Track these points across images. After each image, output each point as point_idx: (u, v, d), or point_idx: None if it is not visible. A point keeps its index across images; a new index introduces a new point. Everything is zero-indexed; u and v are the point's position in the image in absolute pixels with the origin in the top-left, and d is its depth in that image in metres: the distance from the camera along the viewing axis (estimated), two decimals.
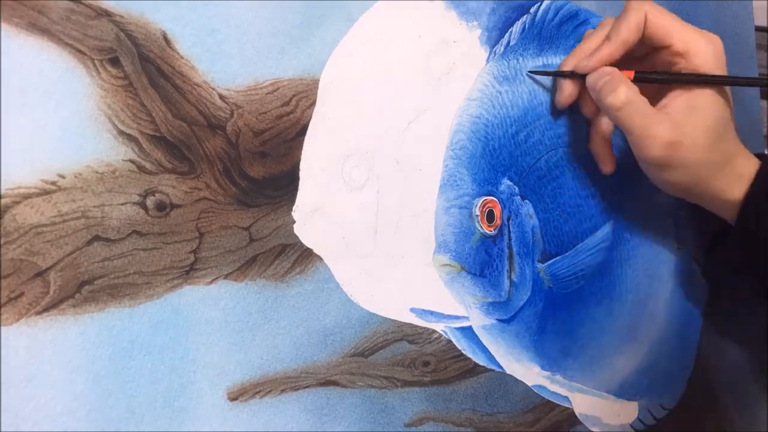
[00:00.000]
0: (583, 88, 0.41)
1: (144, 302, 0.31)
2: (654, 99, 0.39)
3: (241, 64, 0.33)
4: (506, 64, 0.41)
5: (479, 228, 0.40)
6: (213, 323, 0.32)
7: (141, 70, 0.30)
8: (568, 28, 0.45)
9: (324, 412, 0.36)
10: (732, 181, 0.38)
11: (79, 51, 0.29)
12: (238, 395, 0.33)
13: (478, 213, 0.40)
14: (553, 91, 0.43)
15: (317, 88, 0.35)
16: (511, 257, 0.41)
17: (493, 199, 0.40)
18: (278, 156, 0.34)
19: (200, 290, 0.32)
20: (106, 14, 0.30)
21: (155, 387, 0.31)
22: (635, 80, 0.38)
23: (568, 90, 0.41)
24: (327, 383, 0.36)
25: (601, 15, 0.46)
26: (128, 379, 0.30)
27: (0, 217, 0.27)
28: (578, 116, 0.44)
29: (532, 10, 0.42)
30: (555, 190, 0.44)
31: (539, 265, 0.43)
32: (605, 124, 0.41)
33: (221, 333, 0.33)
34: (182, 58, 0.31)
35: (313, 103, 0.35)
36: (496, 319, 0.41)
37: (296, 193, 0.35)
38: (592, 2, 0.46)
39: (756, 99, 0.57)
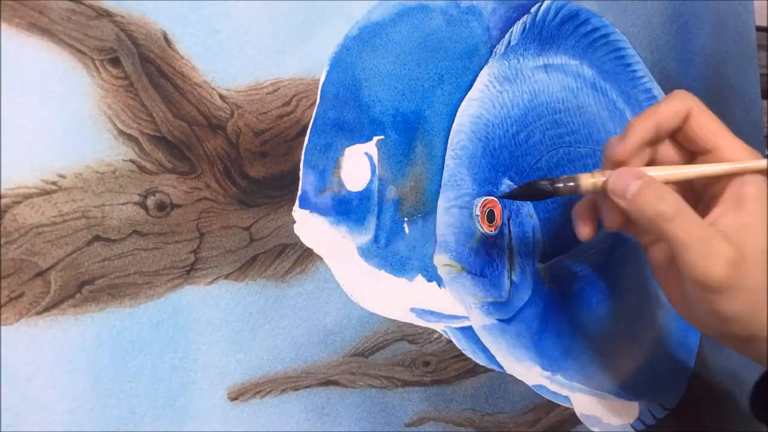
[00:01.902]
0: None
1: (144, 302, 0.31)
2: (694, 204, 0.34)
3: (241, 64, 0.33)
4: (507, 64, 0.41)
5: (480, 228, 0.40)
6: (213, 323, 0.32)
7: (141, 70, 0.30)
8: (569, 28, 0.45)
9: (324, 412, 0.36)
10: None
11: (80, 51, 0.29)
12: (238, 395, 0.33)
13: (478, 213, 0.40)
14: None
15: (317, 88, 0.35)
16: (511, 257, 0.41)
17: (493, 199, 0.40)
18: (278, 156, 0.34)
19: (201, 290, 0.32)
20: (106, 14, 0.30)
21: (155, 387, 0.31)
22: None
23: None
24: (327, 383, 0.36)
25: (602, 15, 0.46)
26: (128, 379, 0.30)
27: (0, 217, 0.27)
28: (578, 116, 0.44)
29: (533, 9, 0.42)
30: None
31: (540, 265, 0.43)
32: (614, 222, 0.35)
33: (222, 333, 0.33)
34: (183, 58, 0.31)
35: (314, 103, 0.35)
36: (497, 319, 0.41)
37: (296, 193, 0.35)
38: (592, 2, 0.46)
39: (756, 99, 0.57)
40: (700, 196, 0.35)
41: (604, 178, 0.33)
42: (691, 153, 0.35)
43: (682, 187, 0.35)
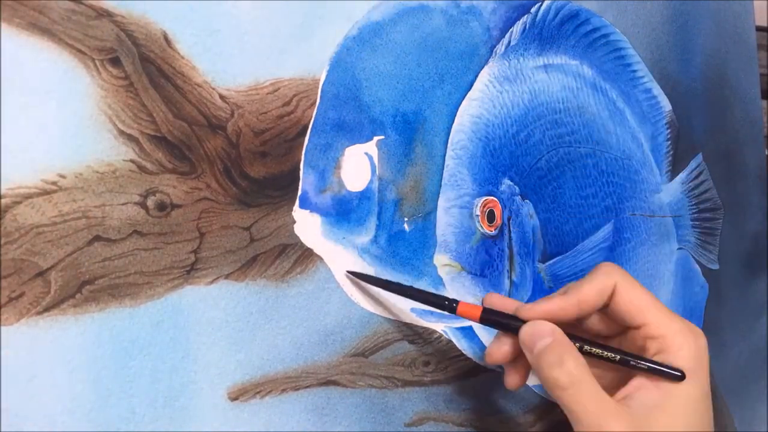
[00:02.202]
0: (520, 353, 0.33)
1: (145, 302, 0.31)
2: (610, 383, 0.32)
3: (241, 64, 0.33)
4: (507, 64, 0.41)
5: (480, 228, 0.40)
6: (213, 323, 0.32)
7: (141, 70, 0.30)
8: (569, 28, 0.45)
9: (324, 412, 0.36)
10: None
11: (80, 51, 0.29)
12: (238, 395, 0.33)
13: (478, 213, 0.40)
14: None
15: (318, 88, 0.35)
16: (511, 257, 0.41)
17: (493, 199, 0.40)
18: (279, 156, 0.34)
19: (201, 290, 0.32)
20: (107, 14, 0.30)
21: (155, 387, 0.31)
22: (581, 351, 0.31)
23: (506, 346, 0.33)
24: (327, 383, 0.36)
25: (602, 15, 0.46)
26: (128, 379, 0.30)
27: (0, 217, 0.27)
28: (578, 116, 0.44)
29: (533, 9, 0.42)
30: (556, 189, 0.44)
31: (540, 265, 0.43)
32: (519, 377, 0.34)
33: (222, 333, 0.33)
34: (183, 58, 0.31)
35: (314, 103, 0.35)
36: None
37: (297, 193, 0.35)
38: (592, 2, 0.46)
39: (756, 99, 0.57)
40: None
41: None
42: (619, 325, 0.33)
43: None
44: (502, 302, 0.34)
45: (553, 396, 0.30)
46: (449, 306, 0.34)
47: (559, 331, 0.31)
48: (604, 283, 0.32)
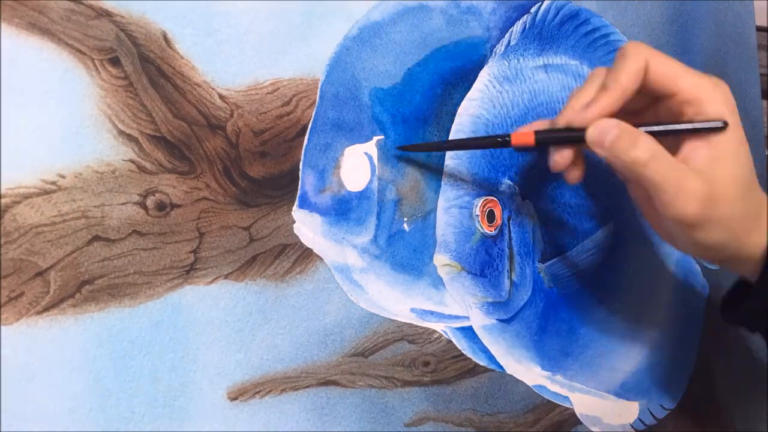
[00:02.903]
0: (577, 150, 0.36)
1: (144, 302, 0.31)
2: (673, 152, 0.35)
3: (241, 64, 0.33)
4: (507, 64, 0.41)
5: (480, 228, 0.40)
6: (213, 323, 0.32)
7: (141, 70, 0.30)
8: (569, 27, 0.45)
9: (324, 412, 0.36)
10: (762, 228, 0.35)
11: (80, 51, 0.29)
12: (238, 395, 0.33)
13: (478, 213, 0.40)
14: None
15: (317, 88, 0.35)
16: (511, 257, 0.41)
17: (493, 199, 0.40)
18: (278, 156, 0.34)
19: (200, 290, 0.32)
20: (106, 14, 0.30)
21: (155, 387, 0.31)
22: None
23: (566, 151, 0.35)
24: (327, 383, 0.36)
25: (602, 15, 0.46)
26: (128, 379, 0.30)
27: (0, 217, 0.27)
28: None
29: (533, 9, 0.42)
30: (556, 190, 0.44)
31: (540, 265, 0.43)
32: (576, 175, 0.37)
33: (221, 333, 0.33)
34: (182, 58, 0.31)
35: (313, 103, 0.35)
36: (497, 319, 0.41)
37: (296, 193, 0.35)
38: (592, 2, 0.46)
39: (756, 99, 0.57)
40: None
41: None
42: (655, 97, 0.36)
43: None
44: (549, 122, 0.36)
45: (635, 175, 0.33)
46: (503, 142, 0.35)
47: (621, 122, 0.33)
48: (637, 65, 0.34)
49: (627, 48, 0.34)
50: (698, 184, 0.33)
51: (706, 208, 0.33)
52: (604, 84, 0.34)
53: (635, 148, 0.33)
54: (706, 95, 0.34)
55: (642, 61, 0.34)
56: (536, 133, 0.35)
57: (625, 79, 0.34)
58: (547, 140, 0.35)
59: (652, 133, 0.34)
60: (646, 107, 0.37)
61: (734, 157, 0.34)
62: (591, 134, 0.34)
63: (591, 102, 0.34)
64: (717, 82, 0.35)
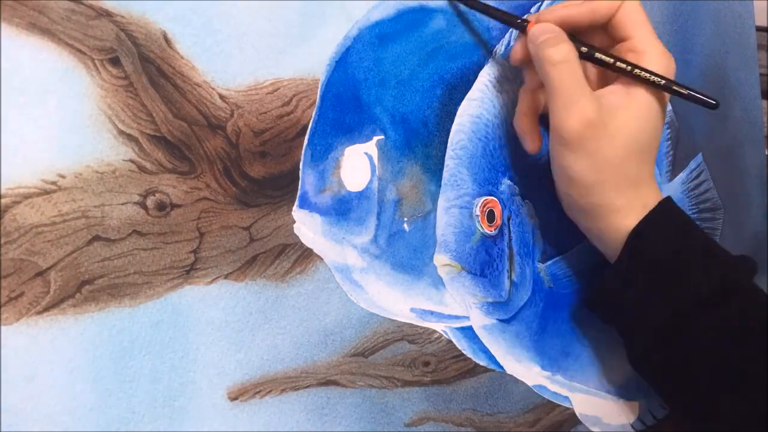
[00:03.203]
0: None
1: (144, 302, 0.31)
2: (591, 86, 0.36)
3: (241, 64, 0.33)
4: (507, 64, 0.41)
5: (480, 228, 0.40)
6: (213, 323, 0.32)
7: (141, 70, 0.31)
8: None
9: (324, 412, 0.36)
10: (635, 205, 0.36)
11: (80, 51, 0.29)
12: (238, 395, 0.33)
13: (478, 213, 0.40)
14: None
15: (317, 88, 0.35)
16: (511, 257, 0.41)
17: (493, 199, 0.40)
18: (278, 156, 0.34)
19: (200, 290, 0.32)
20: (106, 14, 0.30)
21: (155, 387, 0.31)
22: (581, 57, 0.36)
23: (523, 43, 0.37)
24: (327, 383, 0.36)
25: None
26: (128, 379, 0.30)
27: (0, 217, 0.27)
28: None
29: (533, 10, 0.42)
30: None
31: (540, 265, 0.43)
32: (537, 98, 0.39)
33: (221, 333, 0.33)
34: (182, 58, 0.31)
35: (314, 103, 0.35)
36: (497, 319, 0.41)
37: (296, 193, 0.35)
38: None
39: (756, 99, 0.57)
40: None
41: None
42: (610, 39, 0.37)
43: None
44: (549, 13, 0.37)
45: (542, 73, 0.35)
46: (521, 24, 0.37)
47: (562, 31, 0.35)
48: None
49: None
50: (591, 106, 0.34)
51: (585, 132, 0.34)
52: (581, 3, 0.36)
53: (553, 48, 0.34)
54: (653, 54, 0.35)
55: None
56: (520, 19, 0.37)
57: (600, 2, 0.36)
58: (510, 24, 0.38)
59: (592, 57, 0.36)
60: (604, 45, 0.38)
61: (642, 117, 0.35)
62: (533, 29, 0.36)
63: (562, 6, 0.36)
64: (668, 54, 0.36)
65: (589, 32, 0.37)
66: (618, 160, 0.35)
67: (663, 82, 0.35)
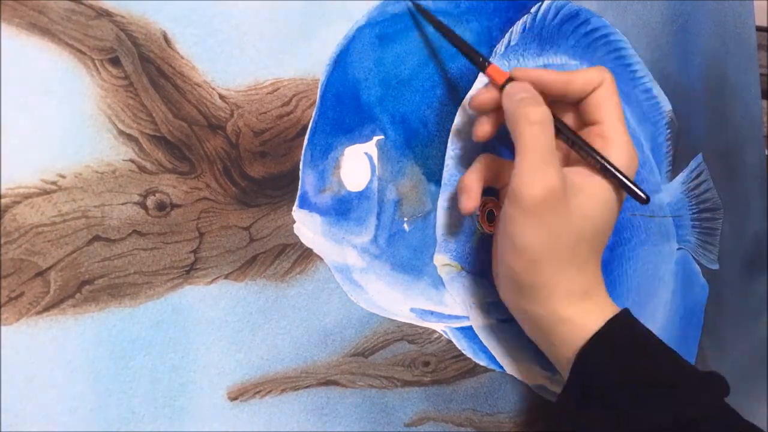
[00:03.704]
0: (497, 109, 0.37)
1: (144, 302, 0.31)
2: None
3: (241, 64, 0.33)
4: (507, 64, 0.41)
5: (480, 228, 0.40)
6: (213, 323, 0.32)
7: (141, 70, 0.30)
8: (569, 28, 0.45)
9: (324, 412, 0.36)
10: (575, 291, 0.34)
11: (80, 51, 0.29)
12: (238, 395, 0.33)
13: (478, 213, 0.40)
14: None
15: (317, 88, 0.35)
16: None
17: (493, 199, 0.40)
18: (278, 156, 0.34)
19: (200, 290, 0.32)
20: (106, 14, 0.30)
21: (155, 387, 0.31)
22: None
23: (489, 94, 0.36)
24: (327, 383, 0.36)
25: (602, 15, 0.46)
26: (128, 379, 0.30)
27: (0, 217, 0.27)
28: None
29: (533, 9, 0.42)
30: None
31: None
32: (493, 163, 0.38)
33: (221, 333, 0.33)
34: (183, 58, 0.31)
35: (313, 103, 0.35)
36: (497, 319, 0.41)
37: (296, 193, 0.35)
38: (592, 2, 0.46)
39: (756, 99, 0.57)
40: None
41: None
42: (581, 121, 0.37)
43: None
44: (524, 72, 0.36)
45: (515, 130, 0.33)
46: (481, 63, 0.36)
47: (540, 97, 0.34)
48: (596, 76, 0.35)
49: (598, 66, 0.36)
50: (557, 176, 0.32)
51: (548, 200, 0.32)
52: (560, 73, 0.36)
53: (532, 107, 0.33)
54: (619, 144, 0.35)
55: (599, 79, 0.35)
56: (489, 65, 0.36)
57: (579, 75, 0.35)
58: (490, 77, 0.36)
59: (561, 129, 0.35)
60: (574, 126, 0.37)
61: (595, 201, 0.34)
62: (510, 86, 0.35)
63: (540, 69, 0.36)
64: (633, 149, 0.35)
65: (559, 106, 0.37)
66: (571, 238, 0.33)
67: (621, 178, 0.35)
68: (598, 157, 0.35)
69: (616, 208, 0.35)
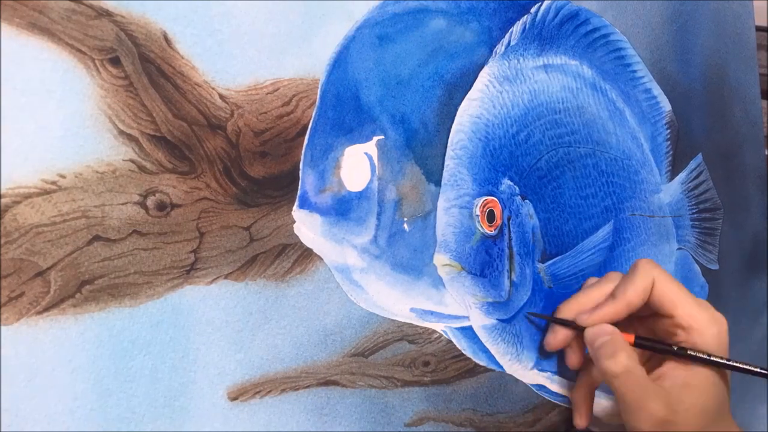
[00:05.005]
0: (577, 337, 0.40)
1: (144, 302, 0.31)
2: (650, 363, 0.39)
3: (241, 64, 0.33)
4: (507, 64, 0.41)
5: (480, 228, 0.40)
6: (213, 323, 0.32)
7: (141, 70, 0.30)
8: (569, 28, 0.45)
9: (324, 412, 0.36)
10: None
11: (80, 51, 0.29)
12: (238, 395, 0.33)
13: (478, 213, 0.40)
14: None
15: (317, 88, 0.35)
16: (511, 257, 0.41)
17: (493, 199, 0.40)
18: (278, 156, 0.34)
19: (200, 290, 0.32)
20: (106, 14, 0.30)
21: (155, 387, 0.31)
22: (635, 345, 0.38)
23: (561, 336, 0.40)
24: (327, 383, 0.36)
25: (602, 15, 0.46)
26: (128, 379, 0.30)
27: (0, 217, 0.27)
28: (578, 116, 0.44)
29: (533, 10, 0.42)
30: (555, 189, 0.44)
31: (539, 265, 0.43)
32: (595, 375, 0.41)
33: (221, 333, 0.33)
34: (183, 58, 0.31)
35: (314, 103, 0.35)
36: (497, 319, 0.41)
37: (296, 193, 0.35)
38: (592, 2, 0.46)
39: (756, 99, 0.57)
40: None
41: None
42: (653, 311, 0.39)
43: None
44: (567, 306, 0.40)
45: (605, 380, 0.37)
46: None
47: (616, 331, 0.37)
48: (645, 282, 0.38)
49: (639, 264, 0.38)
50: (659, 406, 0.35)
51: (659, 429, 0.35)
52: (614, 293, 0.38)
53: (612, 360, 0.36)
54: (700, 327, 0.37)
55: (649, 281, 0.37)
56: (556, 320, 0.40)
57: (632, 293, 0.37)
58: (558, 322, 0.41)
59: (645, 345, 0.38)
60: (647, 317, 0.40)
61: (706, 388, 0.36)
62: (587, 334, 0.38)
63: (598, 306, 0.38)
64: (715, 318, 0.37)
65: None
66: None
67: (719, 360, 0.36)
68: (695, 354, 0.36)
69: (723, 387, 0.37)
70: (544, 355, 0.42)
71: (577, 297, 0.40)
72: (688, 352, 0.37)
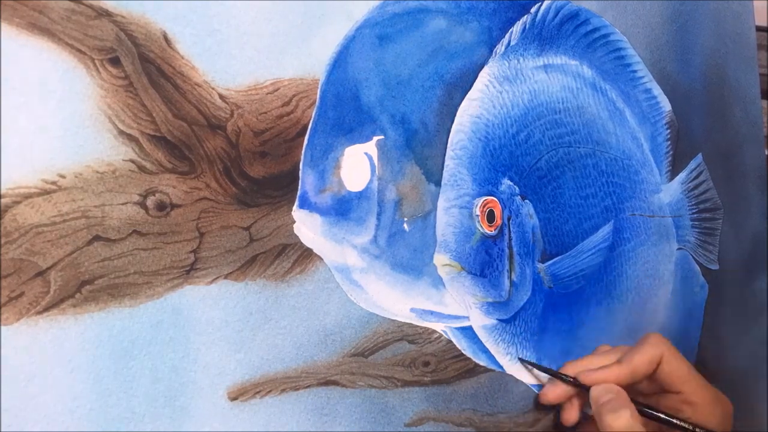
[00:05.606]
0: (576, 395, 0.40)
1: (144, 302, 0.31)
2: (651, 429, 0.38)
3: (241, 64, 0.33)
4: (507, 64, 0.41)
5: (480, 228, 0.40)
6: (213, 323, 0.32)
7: (141, 70, 0.30)
8: (569, 28, 0.45)
9: (324, 412, 0.36)
10: None
11: (80, 51, 0.29)
12: (238, 395, 0.33)
13: (478, 213, 0.40)
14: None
15: (317, 88, 0.35)
16: (511, 257, 0.41)
17: (493, 199, 0.40)
18: (278, 156, 0.34)
19: (200, 290, 0.32)
20: (106, 14, 0.30)
21: (155, 387, 0.31)
22: (640, 413, 0.38)
23: (560, 390, 0.40)
24: (327, 383, 0.36)
25: (602, 15, 0.46)
26: (128, 379, 0.30)
27: (0, 217, 0.27)
28: (578, 116, 0.44)
29: (533, 10, 0.42)
30: (555, 190, 0.44)
31: (539, 265, 0.43)
32: None
33: (221, 333, 0.33)
34: (183, 58, 0.31)
35: (314, 103, 0.35)
36: (497, 319, 0.41)
37: (296, 193, 0.35)
38: (592, 2, 0.46)
39: (756, 99, 0.57)
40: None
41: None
42: (659, 386, 0.39)
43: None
44: (572, 365, 0.41)
45: None
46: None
47: (622, 390, 0.37)
48: (653, 354, 0.38)
49: (650, 337, 0.39)
50: None
51: None
52: (621, 358, 0.39)
53: (615, 414, 0.36)
54: (704, 406, 0.37)
55: (658, 354, 0.38)
56: (559, 375, 0.40)
57: (638, 361, 0.38)
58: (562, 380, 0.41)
59: (651, 414, 0.38)
60: (652, 393, 0.40)
61: None
62: (593, 390, 0.38)
63: (603, 367, 0.39)
64: (720, 399, 0.38)
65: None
66: None
67: None
68: (701, 430, 0.37)
69: None
70: (538, 406, 0.43)
71: (583, 358, 0.41)
72: (696, 429, 0.37)
